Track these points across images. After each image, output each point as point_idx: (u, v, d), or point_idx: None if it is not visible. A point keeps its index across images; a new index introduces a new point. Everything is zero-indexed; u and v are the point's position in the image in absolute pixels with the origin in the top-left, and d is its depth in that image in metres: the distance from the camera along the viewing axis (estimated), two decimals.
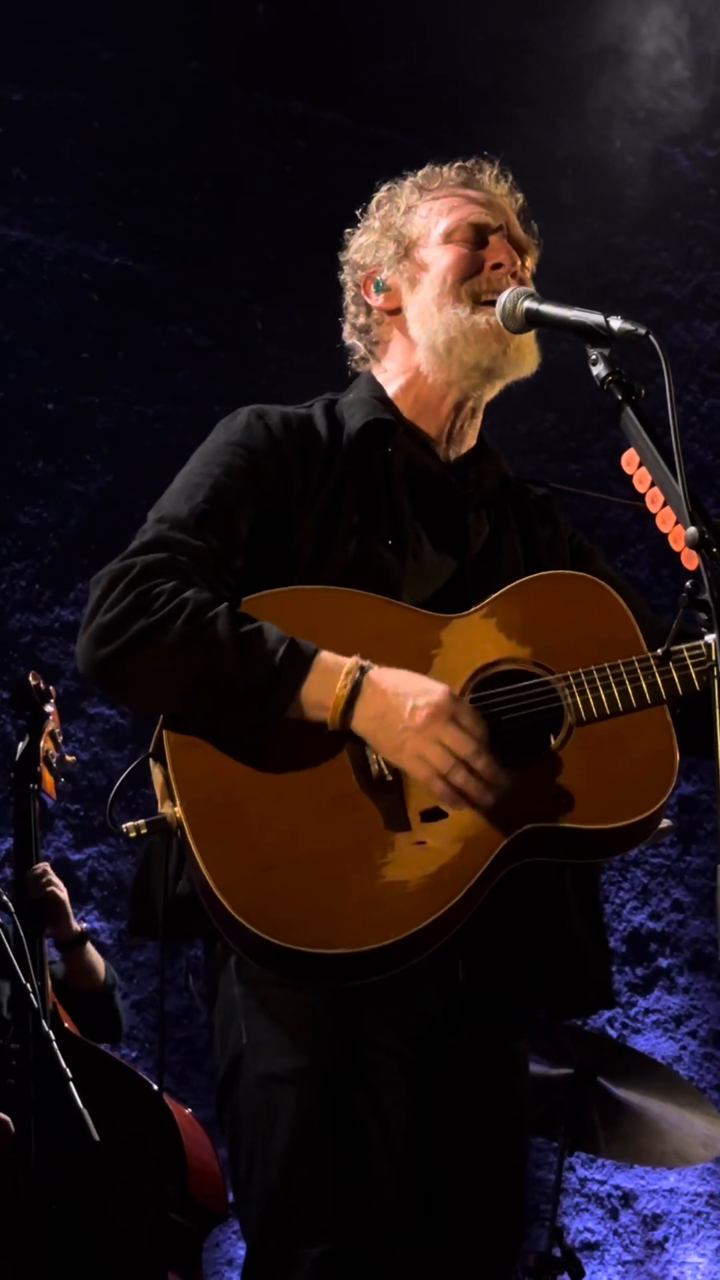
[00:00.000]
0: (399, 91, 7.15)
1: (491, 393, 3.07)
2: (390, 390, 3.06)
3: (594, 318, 2.75)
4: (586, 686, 2.77)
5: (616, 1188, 6.90)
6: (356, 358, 3.15)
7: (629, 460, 2.70)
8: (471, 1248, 2.83)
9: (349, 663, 2.71)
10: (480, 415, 3.09)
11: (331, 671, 2.70)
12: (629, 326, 2.72)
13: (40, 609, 6.54)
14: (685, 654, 2.78)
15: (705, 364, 7.56)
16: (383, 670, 2.72)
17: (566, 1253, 4.82)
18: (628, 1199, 6.90)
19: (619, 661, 2.78)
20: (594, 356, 2.75)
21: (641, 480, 2.68)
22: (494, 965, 2.80)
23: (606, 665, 2.78)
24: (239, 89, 7.11)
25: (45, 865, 4.81)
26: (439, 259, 3.02)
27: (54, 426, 6.70)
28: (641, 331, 2.70)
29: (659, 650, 2.78)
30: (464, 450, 3.07)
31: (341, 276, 3.15)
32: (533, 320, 2.86)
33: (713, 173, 7.69)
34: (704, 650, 2.74)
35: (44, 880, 4.77)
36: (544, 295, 2.87)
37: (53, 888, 4.78)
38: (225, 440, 2.97)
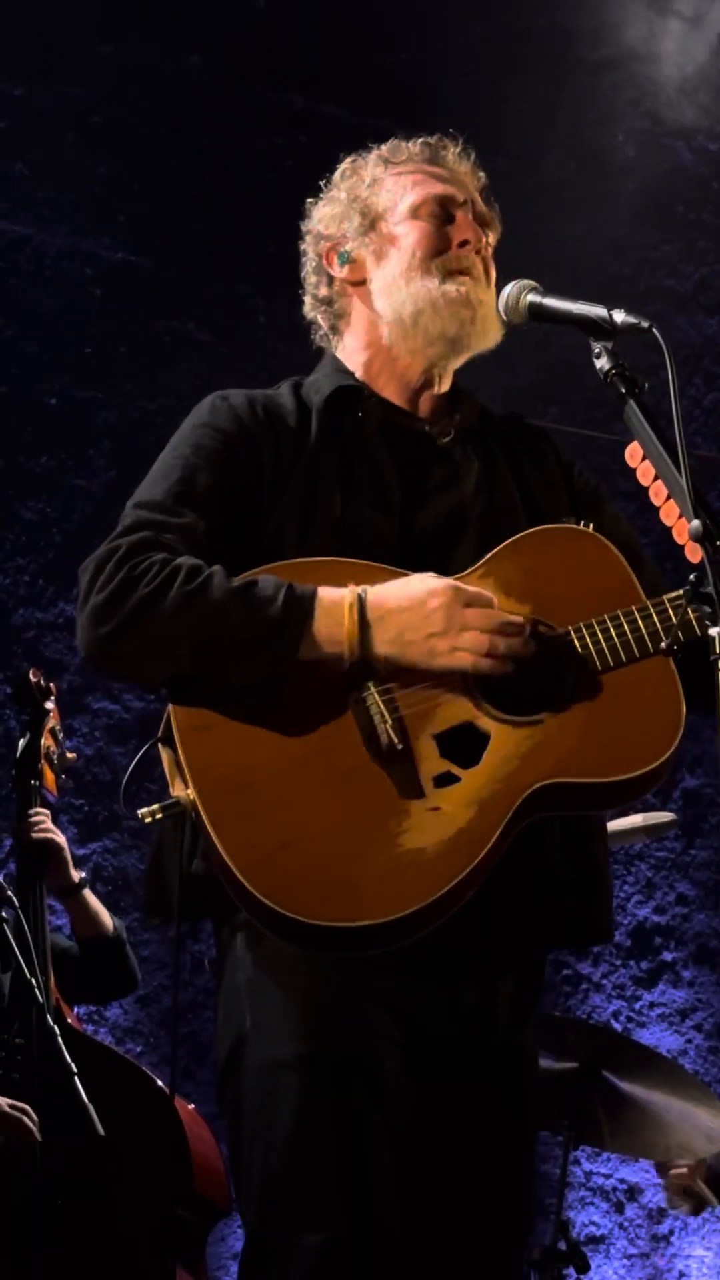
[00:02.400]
0: (400, 85, 7.14)
1: (457, 363, 3.07)
2: (353, 364, 3.08)
3: (597, 311, 2.74)
4: (588, 640, 2.77)
5: (622, 1181, 6.90)
6: (319, 334, 3.17)
7: (633, 454, 2.70)
8: (475, 1241, 2.82)
9: (347, 594, 2.73)
10: (448, 381, 3.09)
11: (335, 606, 2.72)
12: (632, 320, 2.71)
13: (44, 604, 6.55)
14: (684, 599, 2.76)
15: (708, 358, 7.56)
16: (378, 590, 2.74)
17: (572, 1246, 4.81)
18: (633, 1192, 6.91)
19: (618, 612, 2.79)
20: (597, 350, 2.74)
21: (645, 474, 2.68)
22: (489, 923, 2.78)
23: (606, 617, 2.78)
24: (240, 83, 7.10)
25: (44, 811, 4.79)
26: (407, 233, 3.04)
27: (56, 421, 6.70)
28: (645, 325, 2.69)
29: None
30: (436, 396, 3.08)
31: (301, 246, 3.16)
32: (536, 314, 2.85)
33: (715, 166, 7.68)
34: (685, 610, 2.73)
35: (41, 824, 4.74)
36: (546, 288, 2.87)
37: (50, 833, 4.75)
38: (193, 424, 2.99)
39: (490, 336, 3.03)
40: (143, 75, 6.94)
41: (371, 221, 3.07)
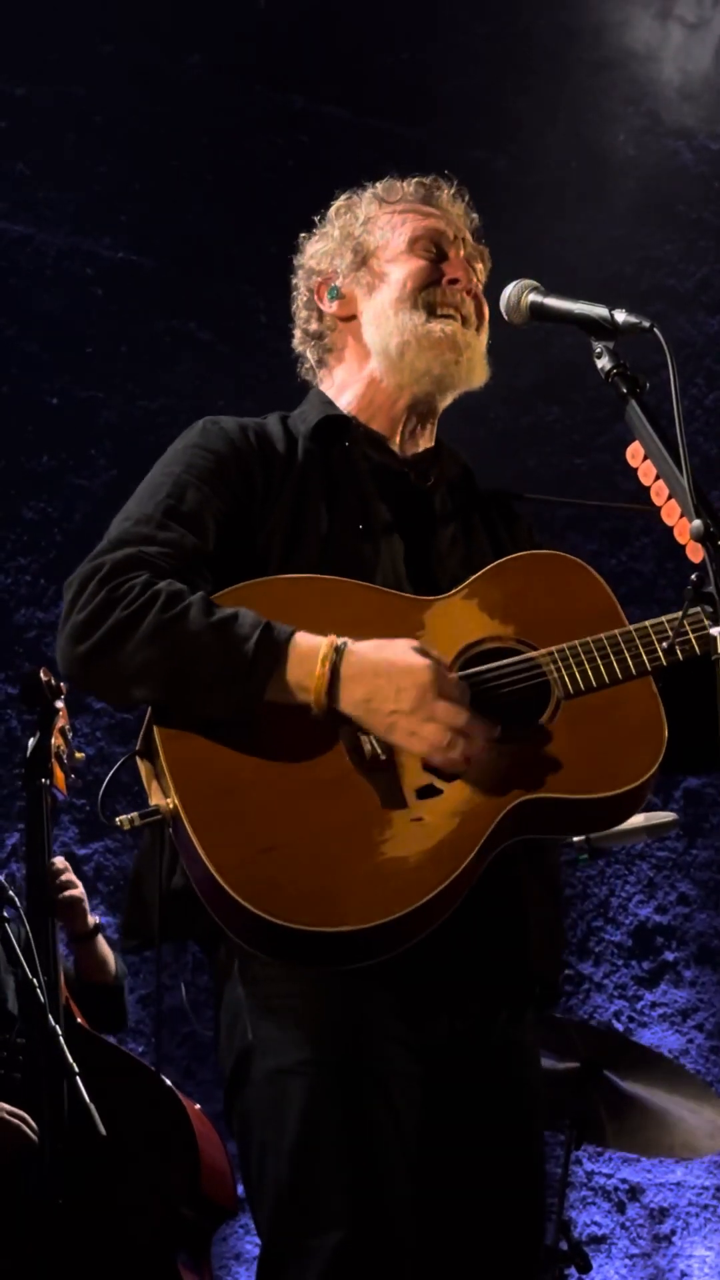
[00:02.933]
0: (400, 84, 7.14)
1: (445, 401, 3.12)
2: (340, 400, 3.12)
3: (598, 310, 2.75)
4: (571, 661, 2.79)
5: (624, 1181, 6.90)
6: (306, 367, 3.21)
7: (634, 453, 2.70)
8: (490, 1237, 2.82)
9: (324, 645, 2.71)
10: (435, 420, 3.14)
11: (308, 655, 2.71)
12: (634, 319, 2.72)
13: (45, 604, 6.55)
14: (666, 625, 2.79)
15: (710, 357, 7.56)
16: (358, 648, 2.72)
17: (573, 1246, 4.82)
18: (635, 1192, 6.91)
19: (602, 635, 2.80)
20: (598, 350, 2.74)
21: (646, 473, 2.68)
22: (473, 953, 2.80)
23: (590, 639, 2.80)
24: (240, 83, 7.11)
25: (65, 864, 4.79)
26: (398, 267, 3.09)
27: (57, 421, 6.70)
28: (646, 324, 2.70)
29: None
30: (420, 449, 3.12)
31: (294, 281, 3.21)
32: (537, 313, 2.86)
33: (716, 165, 7.68)
34: (683, 622, 2.76)
35: (63, 880, 4.76)
36: (547, 288, 2.87)
37: (72, 890, 4.77)
38: (184, 445, 3.02)
39: (476, 378, 3.08)
40: (143, 75, 6.94)
41: (363, 258, 3.12)
